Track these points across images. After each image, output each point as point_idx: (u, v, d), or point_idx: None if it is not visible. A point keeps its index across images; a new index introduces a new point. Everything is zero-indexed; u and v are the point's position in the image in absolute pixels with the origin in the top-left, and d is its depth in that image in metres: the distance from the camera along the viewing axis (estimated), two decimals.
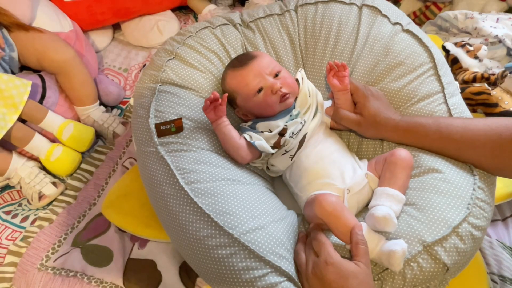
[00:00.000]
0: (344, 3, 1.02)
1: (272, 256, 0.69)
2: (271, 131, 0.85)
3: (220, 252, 0.69)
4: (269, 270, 0.68)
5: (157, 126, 0.84)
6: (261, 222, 0.73)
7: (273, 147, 0.84)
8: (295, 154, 0.86)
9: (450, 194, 0.73)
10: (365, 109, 0.84)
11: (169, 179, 0.78)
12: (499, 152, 0.73)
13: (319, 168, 0.83)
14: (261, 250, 0.69)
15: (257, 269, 0.67)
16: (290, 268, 0.69)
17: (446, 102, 0.86)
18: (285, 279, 0.68)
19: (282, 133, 0.85)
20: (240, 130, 0.88)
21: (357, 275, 0.63)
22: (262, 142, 0.83)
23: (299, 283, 0.68)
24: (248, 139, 0.84)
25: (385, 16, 0.99)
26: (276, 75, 0.88)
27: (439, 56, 0.93)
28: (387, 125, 0.82)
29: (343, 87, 0.85)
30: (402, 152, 0.77)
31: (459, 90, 0.93)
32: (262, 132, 0.86)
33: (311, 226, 0.75)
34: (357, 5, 1.02)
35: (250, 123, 0.90)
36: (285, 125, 0.85)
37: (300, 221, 0.82)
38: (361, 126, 0.85)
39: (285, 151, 0.86)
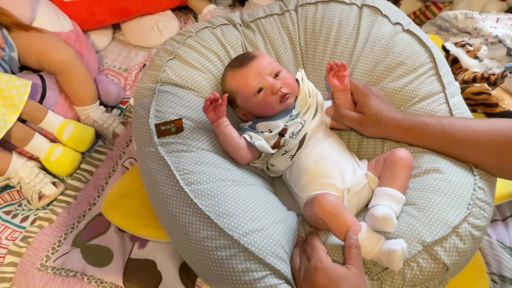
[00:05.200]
0: (344, 3, 1.02)
1: (272, 259, 0.69)
2: (271, 131, 0.85)
3: (220, 254, 0.69)
4: (268, 272, 0.68)
5: (157, 126, 0.84)
6: (261, 223, 0.73)
7: (273, 147, 0.84)
8: (295, 154, 0.86)
9: (450, 194, 0.73)
10: (366, 107, 0.84)
11: (169, 179, 0.78)
12: (503, 153, 0.73)
13: (319, 168, 0.82)
14: (260, 252, 0.69)
15: (256, 271, 0.67)
16: (288, 271, 0.70)
17: (447, 102, 0.86)
18: (284, 281, 0.68)
19: (282, 133, 0.85)
20: (240, 130, 0.88)
21: (348, 279, 0.63)
22: (262, 142, 0.83)
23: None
24: (248, 139, 0.84)
25: (386, 16, 0.98)
26: (276, 75, 0.88)
27: (440, 56, 0.93)
28: (389, 123, 0.82)
29: (343, 87, 0.85)
30: (402, 152, 0.77)
31: (460, 91, 0.93)
32: (262, 132, 0.86)
33: (309, 231, 0.75)
34: (357, 5, 1.01)
35: (250, 123, 0.90)
36: (285, 125, 0.85)
37: (300, 221, 0.82)
38: (362, 124, 0.85)
39: (285, 151, 0.86)
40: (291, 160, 0.86)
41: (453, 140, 0.77)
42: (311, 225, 0.77)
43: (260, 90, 0.87)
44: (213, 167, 0.80)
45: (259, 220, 0.73)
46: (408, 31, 0.96)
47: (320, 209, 0.70)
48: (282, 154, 0.86)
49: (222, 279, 0.69)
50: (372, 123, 0.83)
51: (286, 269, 0.69)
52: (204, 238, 0.71)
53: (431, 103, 0.86)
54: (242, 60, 0.91)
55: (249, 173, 0.86)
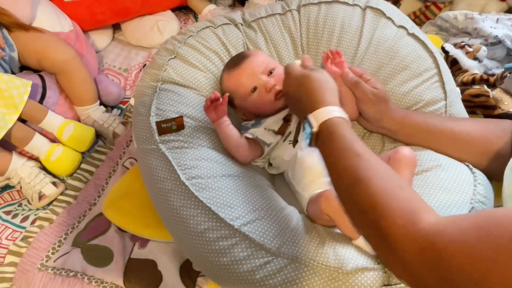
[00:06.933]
0: (348, 4, 1.01)
1: (273, 244, 0.69)
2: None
3: (221, 244, 0.70)
4: (270, 258, 0.68)
5: (158, 124, 0.84)
6: (262, 213, 0.73)
7: (277, 133, 0.86)
8: (296, 140, 0.86)
9: (454, 191, 0.73)
10: (378, 83, 0.84)
11: (170, 175, 0.78)
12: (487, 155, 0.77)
13: (322, 166, 0.82)
14: (261, 239, 0.69)
15: (258, 258, 0.68)
16: (292, 252, 0.69)
17: (446, 112, 0.87)
18: (288, 261, 0.68)
19: (287, 119, 0.86)
20: (242, 129, 0.88)
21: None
22: (264, 134, 0.84)
23: (302, 265, 0.67)
24: (250, 137, 0.84)
25: (389, 18, 0.98)
26: (271, 73, 0.88)
27: (443, 62, 0.94)
28: (397, 110, 0.84)
29: (342, 72, 0.85)
30: (406, 150, 0.77)
31: (460, 96, 0.94)
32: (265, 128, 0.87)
33: None
34: (360, 7, 1.00)
35: (252, 122, 0.90)
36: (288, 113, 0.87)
37: (300, 219, 0.81)
38: (375, 95, 0.83)
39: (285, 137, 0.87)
40: (293, 147, 0.86)
41: (455, 141, 0.79)
42: (317, 222, 0.77)
43: (254, 89, 0.87)
44: (214, 163, 0.80)
45: (260, 211, 0.73)
46: (413, 35, 0.96)
47: (327, 205, 0.70)
48: (283, 141, 0.87)
49: (225, 270, 0.69)
50: (383, 98, 0.83)
51: (289, 251, 0.69)
52: (205, 229, 0.71)
53: (433, 111, 0.88)
54: (235, 61, 0.91)
55: (249, 170, 0.86)
